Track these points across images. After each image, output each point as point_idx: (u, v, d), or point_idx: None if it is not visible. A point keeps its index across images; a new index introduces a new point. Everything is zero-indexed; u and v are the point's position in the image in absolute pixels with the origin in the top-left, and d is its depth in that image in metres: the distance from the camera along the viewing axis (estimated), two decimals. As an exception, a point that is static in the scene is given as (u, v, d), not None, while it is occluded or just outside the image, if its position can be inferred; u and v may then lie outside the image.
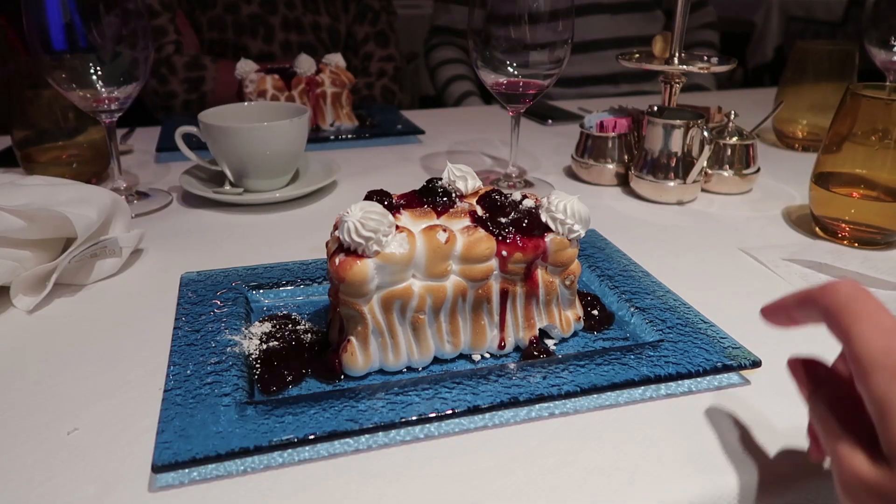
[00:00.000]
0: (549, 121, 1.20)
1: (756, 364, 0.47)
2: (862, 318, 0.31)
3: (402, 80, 1.53)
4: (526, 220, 0.48)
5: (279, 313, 0.55)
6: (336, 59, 1.09)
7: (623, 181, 0.88)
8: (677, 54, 0.85)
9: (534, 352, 0.50)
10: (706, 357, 0.48)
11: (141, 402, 0.45)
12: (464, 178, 0.52)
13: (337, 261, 0.45)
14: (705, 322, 0.52)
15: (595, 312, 0.55)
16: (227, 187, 0.81)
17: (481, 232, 0.47)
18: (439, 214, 0.49)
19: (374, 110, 1.21)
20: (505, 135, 1.06)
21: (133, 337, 0.53)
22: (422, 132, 1.08)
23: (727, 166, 0.84)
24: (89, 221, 0.57)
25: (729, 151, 0.84)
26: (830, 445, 0.33)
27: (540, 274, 0.50)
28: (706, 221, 0.77)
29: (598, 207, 0.81)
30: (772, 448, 0.42)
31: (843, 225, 0.71)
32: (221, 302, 0.55)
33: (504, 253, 0.47)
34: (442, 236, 0.46)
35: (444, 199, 0.50)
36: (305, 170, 0.88)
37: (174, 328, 0.51)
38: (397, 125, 1.10)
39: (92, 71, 0.73)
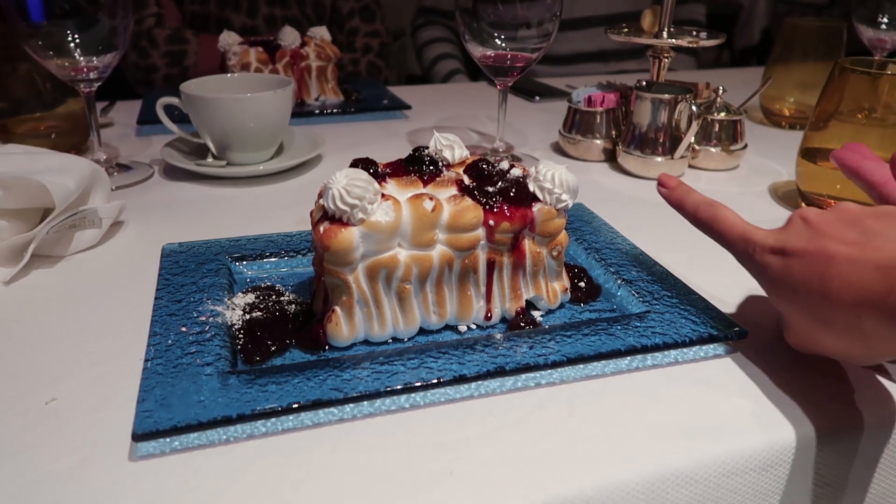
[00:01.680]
0: (537, 97, 1.19)
1: (742, 335, 0.47)
2: None
3: (388, 56, 1.51)
4: (514, 190, 0.48)
5: (263, 284, 0.54)
6: (321, 33, 1.07)
7: (610, 157, 0.87)
8: (666, 28, 0.84)
9: (520, 323, 0.50)
10: (692, 328, 0.48)
11: (121, 373, 0.44)
12: (451, 148, 0.51)
13: (321, 228, 0.44)
14: (692, 293, 0.52)
15: (582, 284, 0.55)
16: (210, 160, 0.79)
17: (468, 201, 0.47)
18: (426, 183, 0.49)
19: (360, 85, 1.19)
20: (492, 111, 1.05)
21: (113, 308, 0.53)
22: (408, 107, 1.06)
23: (715, 142, 0.84)
24: (67, 191, 0.56)
25: (717, 127, 0.84)
26: None
27: (527, 244, 0.49)
28: (693, 197, 0.77)
29: (586, 182, 0.80)
30: (758, 418, 0.42)
31: (829, 201, 0.71)
32: (203, 273, 0.54)
33: (491, 222, 0.47)
34: (428, 205, 0.45)
35: (431, 167, 0.49)
36: (290, 143, 0.87)
37: (155, 298, 0.50)
38: (383, 100, 1.09)
39: (70, 39, 0.71)
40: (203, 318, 0.48)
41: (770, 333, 0.50)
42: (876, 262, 0.37)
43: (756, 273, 0.45)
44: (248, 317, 0.49)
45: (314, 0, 1.43)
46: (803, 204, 0.74)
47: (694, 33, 0.86)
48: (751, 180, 0.83)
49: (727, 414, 0.42)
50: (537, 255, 0.50)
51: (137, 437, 0.37)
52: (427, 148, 0.51)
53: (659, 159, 0.80)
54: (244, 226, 0.67)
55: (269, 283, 0.54)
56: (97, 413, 0.41)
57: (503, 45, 0.78)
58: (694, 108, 0.78)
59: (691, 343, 0.47)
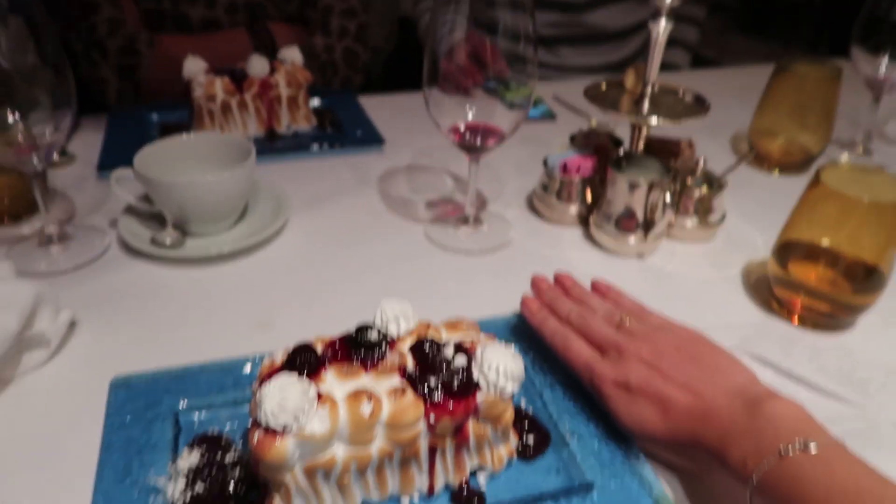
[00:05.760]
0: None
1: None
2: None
3: (366, 39, 1.42)
4: (457, 381, 0.47)
5: (210, 433, 0.54)
6: (292, 56, 1.02)
7: (585, 222, 0.85)
8: (650, 86, 0.80)
9: (463, 495, 0.50)
10: (632, 514, 0.48)
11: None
12: (396, 321, 0.50)
13: (255, 438, 0.43)
14: (637, 459, 0.52)
15: (530, 438, 0.54)
16: (169, 230, 0.77)
17: (409, 398, 0.46)
18: (368, 370, 0.47)
19: (335, 103, 1.14)
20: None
21: (57, 460, 0.52)
22: (382, 141, 1.02)
23: (692, 213, 0.81)
24: (7, 333, 0.55)
25: (695, 198, 0.81)
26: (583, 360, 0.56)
27: (471, 425, 0.48)
28: (664, 285, 0.75)
29: (557, 259, 0.79)
30: None
31: (796, 302, 0.70)
32: (148, 420, 0.53)
33: (432, 418, 0.46)
34: (366, 409, 0.44)
35: (374, 350, 0.48)
36: (255, 203, 0.84)
37: (98, 467, 0.50)
38: (357, 130, 1.05)
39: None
40: (143, 499, 0.48)
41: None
42: (702, 412, 0.48)
43: (603, 400, 0.54)
44: (188, 495, 0.49)
45: None
46: (775, 302, 0.73)
47: (680, 93, 0.82)
48: (725, 259, 0.80)
49: None
50: (481, 434, 0.49)
51: None
52: (370, 329, 0.49)
53: (632, 239, 0.78)
54: (202, 321, 0.67)
55: (215, 433, 0.54)
56: None
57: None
58: (668, 197, 0.75)
59: (627, 537, 0.47)
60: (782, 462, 0.41)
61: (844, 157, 1.08)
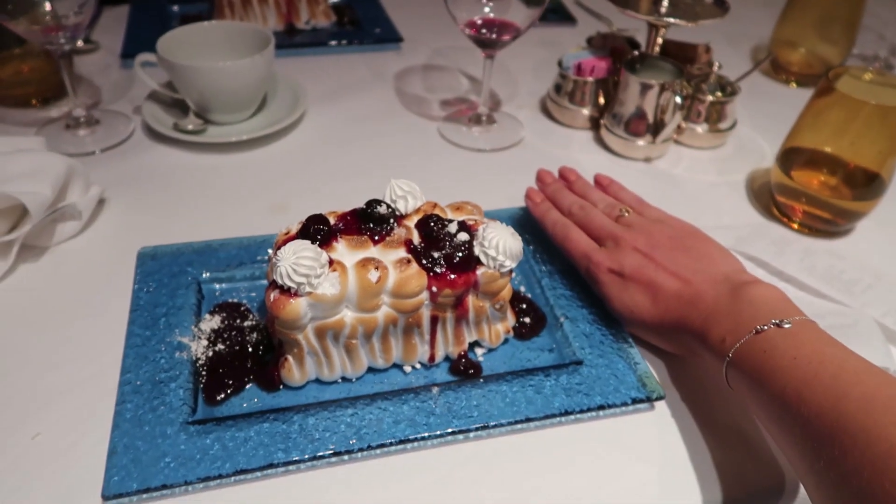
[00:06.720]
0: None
1: (661, 397, 0.52)
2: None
3: None
4: (458, 256, 0.50)
5: (230, 301, 0.58)
6: (312, -52, 1.01)
7: (596, 125, 0.86)
8: (669, -9, 0.79)
9: (460, 366, 0.54)
10: (616, 385, 0.52)
11: (96, 404, 0.49)
12: (404, 199, 0.53)
13: (272, 297, 0.47)
14: (625, 342, 0.55)
15: (527, 320, 0.58)
16: (191, 117, 0.79)
17: (413, 268, 0.49)
18: (376, 242, 0.51)
19: (355, 0, 1.13)
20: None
21: (90, 321, 0.56)
22: (400, 40, 1.02)
23: (702, 120, 0.82)
24: (43, 199, 0.58)
25: (707, 104, 0.81)
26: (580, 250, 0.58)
27: (470, 300, 0.52)
28: (669, 187, 0.77)
29: (566, 160, 0.80)
30: (667, 484, 0.47)
31: (797, 208, 0.72)
32: (174, 287, 0.58)
33: (434, 288, 0.49)
34: (373, 276, 0.48)
35: (383, 225, 0.51)
36: (273, 95, 0.86)
37: (128, 323, 0.54)
38: (376, 28, 1.04)
39: (39, -3, 0.68)
40: (170, 353, 0.52)
41: (690, 389, 0.54)
42: (689, 296, 0.51)
43: (597, 286, 0.57)
44: (210, 352, 0.53)
45: None
46: (774, 209, 0.74)
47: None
48: (732, 165, 0.82)
49: (637, 479, 0.47)
50: (480, 308, 0.53)
51: (107, 497, 0.43)
52: (381, 204, 0.52)
53: (641, 142, 0.79)
54: (222, 204, 0.70)
55: (235, 301, 0.58)
56: (73, 452, 0.47)
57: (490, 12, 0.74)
58: (678, 99, 0.75)
59: (613, 406, 0.51)
60: (756, 337, 0.45)
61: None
